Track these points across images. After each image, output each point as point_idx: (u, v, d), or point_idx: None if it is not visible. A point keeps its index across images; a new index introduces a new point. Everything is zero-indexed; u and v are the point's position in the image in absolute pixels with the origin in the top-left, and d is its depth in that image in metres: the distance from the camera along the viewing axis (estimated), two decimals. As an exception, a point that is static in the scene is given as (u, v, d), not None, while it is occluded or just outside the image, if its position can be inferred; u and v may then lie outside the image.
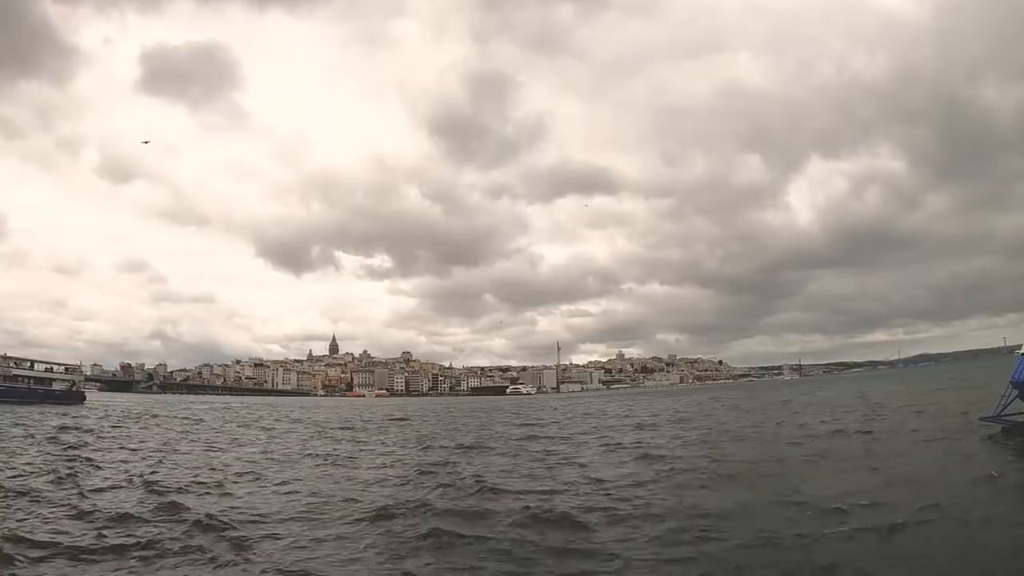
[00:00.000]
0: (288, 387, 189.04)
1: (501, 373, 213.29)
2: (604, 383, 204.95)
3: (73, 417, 30.77)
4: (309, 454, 16.68)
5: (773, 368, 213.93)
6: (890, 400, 30.01)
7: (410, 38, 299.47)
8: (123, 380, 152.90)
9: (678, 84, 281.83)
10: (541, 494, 10.04)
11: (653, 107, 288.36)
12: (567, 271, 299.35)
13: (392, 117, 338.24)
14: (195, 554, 6.93)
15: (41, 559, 6.71)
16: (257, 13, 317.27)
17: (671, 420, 26.87)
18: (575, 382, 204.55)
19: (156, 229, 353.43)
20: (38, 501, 9.45)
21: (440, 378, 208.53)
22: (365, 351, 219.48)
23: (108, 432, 22.98)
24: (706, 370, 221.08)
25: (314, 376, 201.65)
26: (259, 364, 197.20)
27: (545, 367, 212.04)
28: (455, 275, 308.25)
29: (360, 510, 9.12)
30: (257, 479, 12.10)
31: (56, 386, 49.41)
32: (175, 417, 35.04)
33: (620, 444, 17.39)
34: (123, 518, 8.42)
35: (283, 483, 11.56)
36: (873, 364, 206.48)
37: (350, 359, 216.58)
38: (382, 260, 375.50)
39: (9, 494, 9.76)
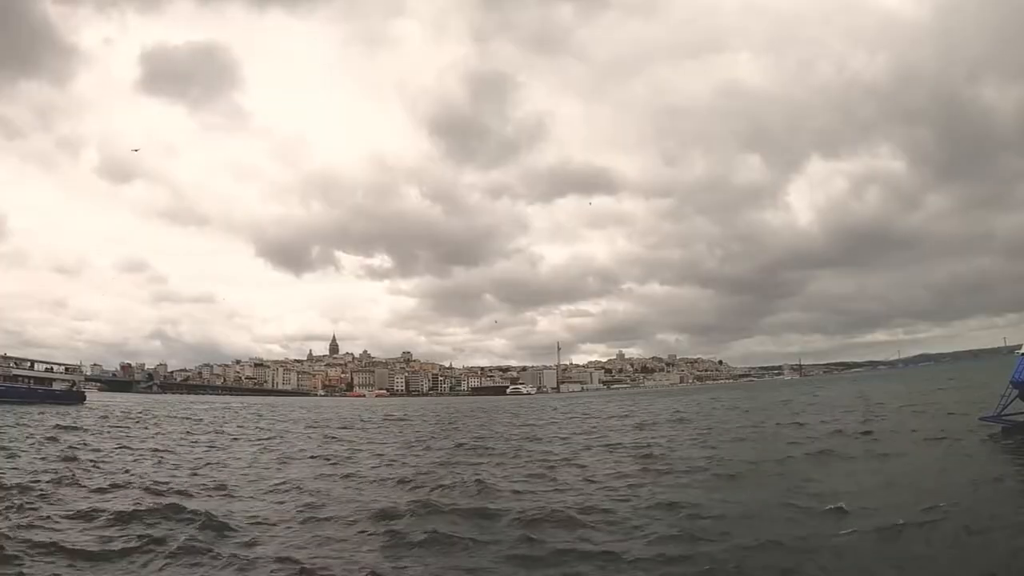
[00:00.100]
0: (288, 387, 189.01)
1: (501, 373, 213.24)
2: (604, 383, 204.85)
3: (73, 417, 30.79)
4: (309, 454, 16.68)
5: (773, 368, 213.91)
6: (890, 400, 30.01)
7: (410, 38, 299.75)
8: (123, 380, 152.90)
9: (678, 84, 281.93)
10: (541, 495, 10.05)
11: (653, 107, 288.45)
12: (567, 271, 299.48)
13: (392, 117, 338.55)
14: (194, 555, 6.93)
15: (41, 560, 6.70)
16: (257, 13, 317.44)
17: (671, 420, 26.86)
18: (575, 382, 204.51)
19: (156, 229, 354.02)
20: (38, 501, 9.44)
21: (440, 378, 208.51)
22: (365, 351, 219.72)
23: (108, 432, 23.00)
24: (706, 370, 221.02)
25: (314, 376, 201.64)
26: (259, 364, 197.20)
27: (545, 367, 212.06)
28: (455, 275, 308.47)
29: (360, 510, 9.12)
30: (257, 479, 12.10)
31: (56, 386, 49.43)
32: (175, 417, 35.06)
33: (620, 444, 17.39)
34: (123, 518, 8.41)
35: (283, 483, 11.54)
36: (873, 364, 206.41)
37: (350, 359, 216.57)
38: (382, 260, 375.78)
39: (9, 494, 9.75)
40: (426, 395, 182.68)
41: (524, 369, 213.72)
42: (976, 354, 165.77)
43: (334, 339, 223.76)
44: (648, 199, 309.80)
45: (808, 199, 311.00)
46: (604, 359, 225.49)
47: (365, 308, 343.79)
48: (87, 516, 8.56)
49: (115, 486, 11.00)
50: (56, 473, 12.09)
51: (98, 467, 13.22)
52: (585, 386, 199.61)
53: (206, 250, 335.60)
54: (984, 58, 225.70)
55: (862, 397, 34.56)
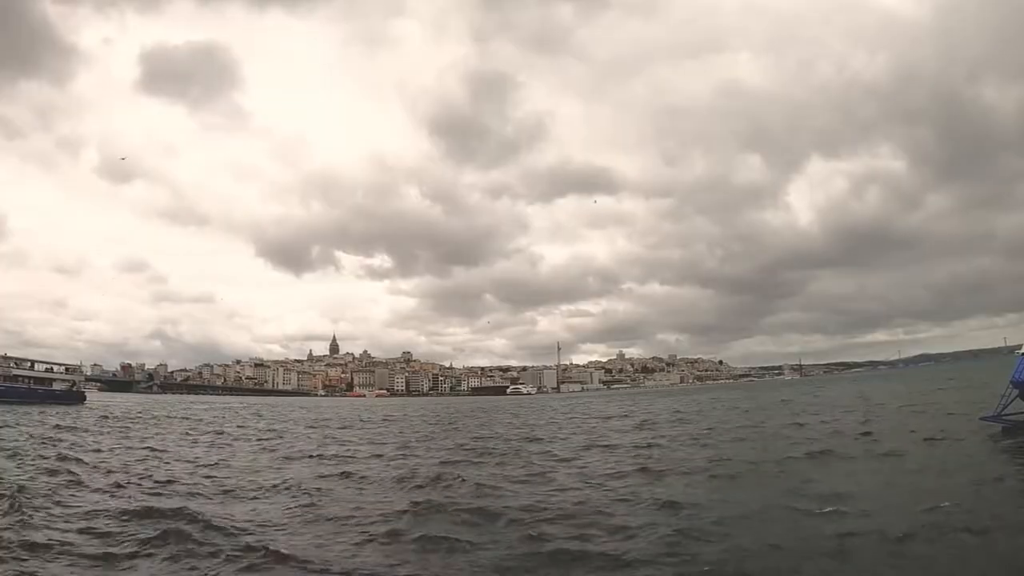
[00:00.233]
0: (288, 387, 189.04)
1: (501, 373, 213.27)
2: (604, 383, 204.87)
3: (73, 417, 30.79)
4: (308, 454, 16.67)
5: (773, 368, 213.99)
6: (890, 400, 30.00)
7: (410, 38, 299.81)
8: (123, 380, 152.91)
9: (678, 84, 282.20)
10: (541, 495, 10.04)
11: (653, 107, 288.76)
12: (567, 271, 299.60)
13: (392, 117, 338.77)
14: (194, 556, 6.93)
15: (41, 561, 6.70)
16: (257, 13, 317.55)
17: (671, 420, 26.85)
18: (575, 382, 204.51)
19: (156, 229, 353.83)
20: (37, 502, 9.42)
21: (440, 378, 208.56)
22: (365, 351, 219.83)
23: (108, 432, 22.98)
24: (706, 370, 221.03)
25: (314, 376, 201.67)
26: (259, 364, 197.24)
27: (545, 367, 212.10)
28: (455, 275, 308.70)
29: (360, 511, 9.12)
30: (256, 479, 12.08)
31: (56, 386, 49.43)
32: (175, 417, 35.06)
33: (620, 444, 17.38)
34: (123, 519, 8.41)
35: (283, 483, 11.52)
36: (873, 364, 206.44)
37: (350, 359, 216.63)
38: (382, 260, 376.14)
39: (7, 495, 9.74)
40: (426, 395, 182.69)
41: (524, 369, 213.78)
42: (976, 354, 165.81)
43: (334, 339, 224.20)
44: (648, 199, 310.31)
45: (808, 199, 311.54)
46: (604, 359, 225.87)
47: (365, 308, 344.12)
48: (86, 517, 8.55)
49: (114, 486, 11.00)
50: (55, 473, 12.09)
51: (98, 467, 13.20)
52: (585, 386, 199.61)
53: (206, 250, 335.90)
54: (984, 58, 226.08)
55: (862, 397, 34.54)
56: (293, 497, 10.28)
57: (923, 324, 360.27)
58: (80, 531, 7.82)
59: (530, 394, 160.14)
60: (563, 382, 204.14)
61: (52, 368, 51.66)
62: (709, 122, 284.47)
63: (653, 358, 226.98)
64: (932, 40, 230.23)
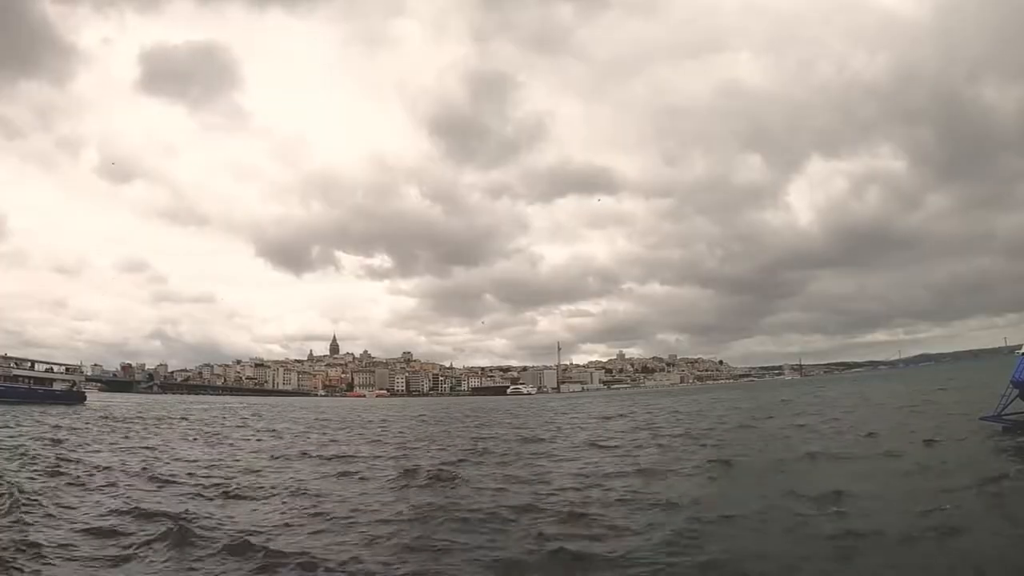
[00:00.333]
0: (289, 387, 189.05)
1: (502, 373, 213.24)
2: (605, 383, 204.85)
3: (73, 417, 30.79)
4: (308, 455, 16.66)
5: (774, 368, 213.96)
6: (891, 400, 30.00)
7: (410, 38, 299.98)
8: (124, 380, 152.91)
9: (678, 84, 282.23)
10: (540, 495, 10.02)
11: (653, 107, 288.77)
12: (567, 271, 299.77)
13: (392, 117, 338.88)
14: (193, 558, 6.93)
15: (41, 561, 6.69)
16: (257, 13, 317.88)
17: (671, 421, 26.85)
18: (576, 382, 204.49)
19: (156, 229, 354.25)
20: (37, 502, 9.42)
21: (441, 378, 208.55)
22: (365, 351, 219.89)
23: (108, 433, 22.98)
24: (707, 370, 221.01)
25: (315, 376, 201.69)
26: (260, 364, 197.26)
27: (545, 367, 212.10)
28: (455, 275, 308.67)
29: (359, 512, 9.11)
30: (256, 479, 12.07)
31: (56, 386, 49.47)
32: (175, 417, 35.05)
33: (619, 444, 17.38)
34: (122, 519, 8.41)
35: (282, 483, 11.51)
36: (874, 364, 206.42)
37: (350, 359, 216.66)
38: (382, 260, 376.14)
39: (8, 495, 9.74)
40: (426, 395, 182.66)
41: (524, 369, 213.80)
42: (976, 354, 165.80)
43: (334, 339, 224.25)
44: (648, 199, 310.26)
45: (808, 199, 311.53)
46: (604, 359, 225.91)
47: (365, 308, 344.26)
48: (86, 517, 8.55)
49: (114, 486, 11.00)
50: (55, 474, 12.09)
51: (98, 467, 13.17)
52: (585, 386, 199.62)
53: (206, 250, 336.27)
54: (984, 58, 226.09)
55: (862, 397, 34.54)
56: (293, 497, 10.26)
57: (923, 324, 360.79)
58: (79, 531, 7.81)
59: (530, 394, 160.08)
60: (563, 382, 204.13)
61: (52, 368, 51.72)
62: (709, 122, 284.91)
63: (653, 358, 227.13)
64: (932, 40, 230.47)
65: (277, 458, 15.85)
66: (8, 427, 23.00)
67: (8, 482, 10.77)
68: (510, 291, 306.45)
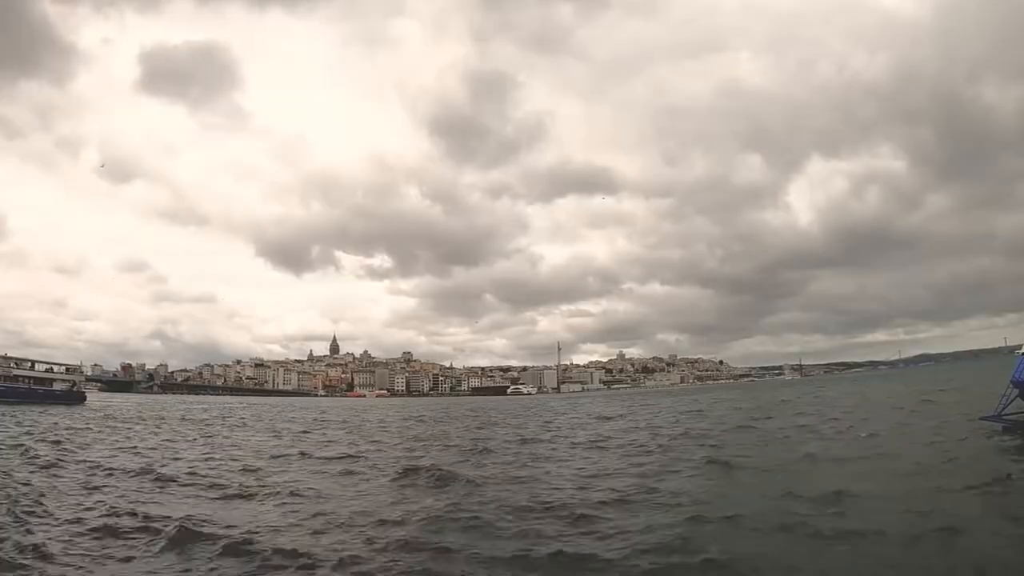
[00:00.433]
0: (289, 387, 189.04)
1: (502, 373, 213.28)
2: (605, 383, 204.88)
3: (73, 418, 30.78)
4: (308, 455, 16.66)
5: (774, 368, 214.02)
6: (891, 400, 29.99)
7: (410, 38, 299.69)
8: (124, 380, 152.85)
9: (678, 84, 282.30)
10: (540, 496, 10.01)
11: (653, 107, 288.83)
12: (567, 271, 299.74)
13: (392, 117, 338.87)
14: (192, 558, 6.92)
15: (40, 561, 6.70)
16: (257, 13, 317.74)
17: (671, 421, 26.85)
18: (576, 382, 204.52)
19: (156, 229, 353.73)
20: (35, 501, 9.42)
21: (441, 378, 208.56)
22: (366, 351, 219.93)
23: (108, 433, 22.97)
24: (707, 370, 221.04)
25: (315, 376, 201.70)
26: (260, 364, 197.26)
27: (546, 367, 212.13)
28: (455, 275, 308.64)
29: (358, 513, 9.10)
30: (256, 480, 12.06)
31: (56, 386, 49.49)
32: (176, 417, 35.06)
33: (619, 445, 17.37)
34: (123, 519, 8.40)
35: (282, 484, 11.50)
36: (874, 364, 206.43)
37: (351, 359, 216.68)
38: (382, 260, 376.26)
39: (7, 495, 9.74)
40: (427, 395, 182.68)
41: (525, 369, 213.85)
42: (976, 354, 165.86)
43: (334, 339, 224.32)
44: (648, 199, 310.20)
45: (808, 199, 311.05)
46: (605, 359, 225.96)
47: (365, 308, 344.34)
48: (85, 517, 8.54)
49: (113, 486, 10.99)
50: (54, 474, 12.10)
51: (97, 468, 13.17)
52: (586, 386, 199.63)
53: (206, 250, 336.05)
54: (985, 58, 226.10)
55: (863, 397, 34.54)
56: (293, 497, 10.25)
57: (923, 324, 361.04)
58: (79, 532, 7.81)
59: (530, 394, 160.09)
60: (563, 382, 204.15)
61: (52, 368, 51.75)
62: (709, 122, 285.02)
63: (653, 358, 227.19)
64: (932, 40, 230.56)
65: (277, 458, 15.84)
66: (8, 427, 22.99)
67: (6, 482, 10.77)
68: (510, 291, 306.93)
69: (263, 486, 11.32)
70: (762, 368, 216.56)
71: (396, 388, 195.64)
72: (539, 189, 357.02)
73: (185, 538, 7.48)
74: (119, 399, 73.77)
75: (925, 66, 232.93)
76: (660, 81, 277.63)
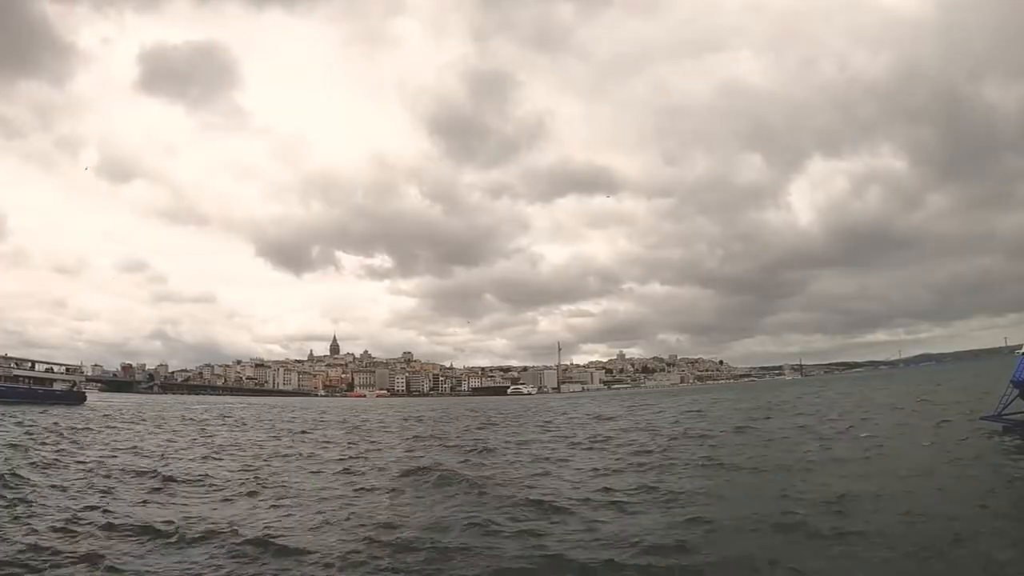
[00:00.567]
0: (289, 387, 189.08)
1: (502, 373, 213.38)
2: (605, 383, 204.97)
3: (73, 418, 30.77)
4: (308, 455, 16.66)
5: (774, 368, 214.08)
6: (891, 400, 29.97)
7: (410, 37, 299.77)
8: (124, 380, 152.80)
9: (679, 83, 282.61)
10: (539, 496, 10.00)
11: (654, 106, 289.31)
12: (567, 271, 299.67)
13: (392, 116, 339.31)
14: (192, 558, 6.93)
15: (39, 561, 6.69)
16: (256, 12, 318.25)
17: (670, 421, 26.83)
18: (576, 382, 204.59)
19: (156, 229, 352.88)
20: (34, 502, 9.43)
21: (441, 378, 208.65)
22: (366, 351, 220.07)
23: (108, 433, 22.96)
24: (707, 370, 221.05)
25: (315, 376, 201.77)
26: (260, 364, 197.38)
27: (546, 367, 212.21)
28: (455, 275, 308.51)
29: (357, 513, 9.11)
30: (256, 480, 12.05)
31: (57, 386, 49.51)
32: (176, 418, 35.06)
33: (619, 445, 17.36)
34: (123, 519, 8.40)
35: (281, 484, 11.53)
36: (874, 364, 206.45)
37: (351, 359, 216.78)
38: (382, 260, 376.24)
39: (5, 495, 9.74)
40: (427, 395, 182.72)
41: (525, 369, 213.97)
42: (977, 354, 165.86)
43: (335, 339, 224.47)
44: (649, 199, 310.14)
45: (809, 199, 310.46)
46: (605, 359, 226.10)
47: (365, 308, 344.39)
48: (84, 517, 8.54)
49: (113, 486, 10.98)
50: (53, 474, 12.09)
51: (97, 468, 13.17)
52: (586, 386, 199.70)
53: (206, 250, 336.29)
54: (986, 57, 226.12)
55: (863, 397, 34.52)
56: (293, 497, 10.27)
57: (924, 324, 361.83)
58: (79, 532, 7.81)
59: (530, 394, 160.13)
60: (564, 382, 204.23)
61: (52, 368, 51.75)
62: (710, 121, 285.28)
63: (654, 358, 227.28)
64: (933, 39, 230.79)
65: (277, 458, 15.83)
66: (7, 427, 22.98)
67: (8, 482, 10.77)
68: (510, 291, 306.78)
69: (263, 486, 11.32)
70: (762, 368, 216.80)
71: (396, 388, 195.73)
72: (539, 189, 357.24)
73: (185, 538, 7.49)
74: (119, 399, 73.79)
75: (926, 65, 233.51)
76: (661, 80, 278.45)
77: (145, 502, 9.70)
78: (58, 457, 14.65)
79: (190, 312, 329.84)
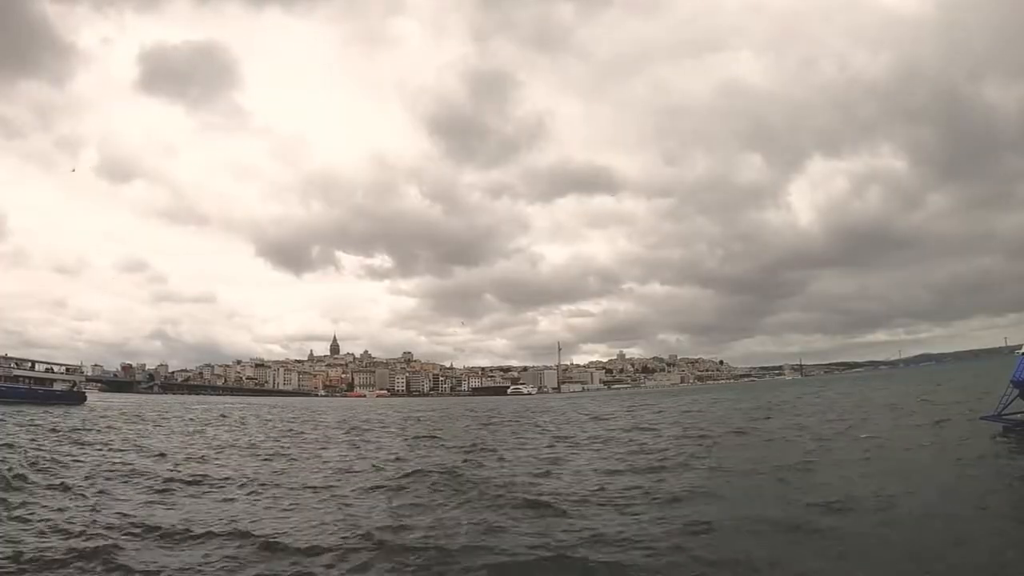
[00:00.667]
0: (289, 387, 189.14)
1: (502, 373, 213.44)
2: (605, 383, 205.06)
3: (73, 418, 30.77)
4: (307, 456, 16.67)
5: (774, 368, 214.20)
6: (891, 400, 29.94)
7: (410, 37, 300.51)
8: (124, 380, 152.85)
9: (679, 83, 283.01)
10: (538, 496, 10.00)
11: (654, 106, 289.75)
12: (567, 271, 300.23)
13: (392, 116, 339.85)
14: (190, 558, 6.92)
15: (38, 560, 6.70)
16: (255, 12, 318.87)
17: (670, 421, 26.82)
18: (576, 382, 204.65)
19: (156, 229, 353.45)
20: (32, 502, 9.43)
21: (441, 378, 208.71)
22: (366, 351, 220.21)
23: (107, 433, 22.96)
24: (707, 370, 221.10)
25: (315, 376, 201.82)
26: (260, 364, 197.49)
27: (546, 367, 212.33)
28: (455, 275, 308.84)
29: (356, 515, 9.11)
30: (255, 480, 12.04)
31: (57, 387, 49.49)
32: (176, 418, 35.07)
33: (618, 445, 17.36)
34: (122, 519, 8.40)
35: (281, 483, 11.53)
36: (874, 364, 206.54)
37: (351, 359, 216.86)
38: (382, 260, 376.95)
39: (8, 498, 9.74)
40: (427, 395, 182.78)
41: (525, 369, 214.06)
42: (977, 354, 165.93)
43: (335, 339, 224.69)
44: (649, 199, 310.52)
45: (809, 199, 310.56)
46: (605, 359, 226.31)
47: (365, 308, 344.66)
48: (84, 517, 8.53)
49: (112, 487, 10.98)
50: (53, 474, 12.09)
51: (97, 468, 13.16)
52: (586, 386, 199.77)
53: (206, 250, 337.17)
54: (986, 57, 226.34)
55: (863, 397, 34.50)
56: (293, 497, 10.26)
57: (924, 324, 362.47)
58: (79, 532, 7.80)
59: (530, 394, 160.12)
60: (564, 382, 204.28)
61: (52, 368, 51.73)
62: (710, 121, 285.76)
63: (654, 358, 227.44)
64: (934, 39, 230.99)
65: (277, 458, 15.84)
66: (7, 428, 22.97)
67: (8, 482, 10.77)
68: (510, 291, 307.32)
69: (263, 486, 11.32)
70: (762, 368, 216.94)
71: (396, 388, 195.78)
72: (539, 189, 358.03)
73: (186, 537, 7.49)
74: (119, 399, 73.78)
75: (926, 65, 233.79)
76: (660, 80, 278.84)
77: (146, 502, 9.70)
78: (58, 457, 14.63)
79: (190, 312, 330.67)
